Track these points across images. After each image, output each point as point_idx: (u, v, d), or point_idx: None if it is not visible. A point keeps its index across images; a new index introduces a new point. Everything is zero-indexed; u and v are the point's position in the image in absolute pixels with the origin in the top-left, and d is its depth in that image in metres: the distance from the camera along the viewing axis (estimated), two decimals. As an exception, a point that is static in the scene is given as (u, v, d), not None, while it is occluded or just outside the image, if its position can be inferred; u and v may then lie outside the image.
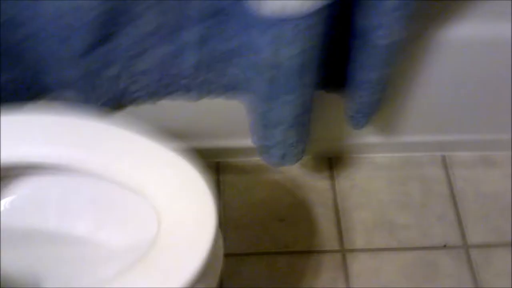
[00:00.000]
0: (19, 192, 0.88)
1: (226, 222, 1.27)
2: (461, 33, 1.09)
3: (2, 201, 0.87)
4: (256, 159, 1.22)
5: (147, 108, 1.14)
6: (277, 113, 1.00)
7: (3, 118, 0.82)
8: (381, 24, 0.91)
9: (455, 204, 1.32)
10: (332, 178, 1.35)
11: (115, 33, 0.97)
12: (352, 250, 1.26)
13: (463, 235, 1.28)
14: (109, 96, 1.07)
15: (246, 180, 1.33)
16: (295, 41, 0.88)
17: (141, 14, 0.95)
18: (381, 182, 1.35)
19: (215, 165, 1.35)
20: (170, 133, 1.22)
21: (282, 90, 0.96)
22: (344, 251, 1.26)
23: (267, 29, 0.86)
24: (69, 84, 1.04)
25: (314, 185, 1.34)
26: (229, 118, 1.22)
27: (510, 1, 1.10)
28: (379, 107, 1.11)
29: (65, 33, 0.94)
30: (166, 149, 0.81)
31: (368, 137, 1.32)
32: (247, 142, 1.15)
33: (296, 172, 1.34)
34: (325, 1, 0.85)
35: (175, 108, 1.15)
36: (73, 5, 0.90)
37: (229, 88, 1.10)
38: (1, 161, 0.80)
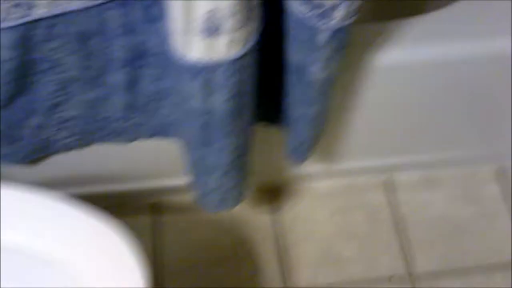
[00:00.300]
0: None
1: (164, 268, 1.22)
2: (393, 58, 1.08)
3: None
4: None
5: (77, 154, 1.09)
6: (212, 160, 0.96)
7: None
8: (314, 59, 0.88)
9: (400, 231, 1.30)
10: (273, 211, 1.31)
11: (35, 82, 0.92)
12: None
13: (409, 265, 1.26)
14: (33, 148, 1.02)
15: (184, 220, 1.28)
16: (226, 86, 0.84)
17: (62, 61, 0.90)
18: (324, 213, 1.31)
19: (151, 206, 1.30)
20: (103, 177, 1.19)
21: (216, 136, 0.91)
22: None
23: (195, 76, 0.82)
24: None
25: (255, 220, 1.30)
26: (162, 156, 1.17)
27: (440, 24, 1.09)
28: (318, 141, 1.08)
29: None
30: (90, 218, 0.79)
31: (308, 166, 1.28)
32: (182, 180, 1.11)
33: (236, 208, 1.28)
34: (251, 42, 0.82)
35: (107, 150, 1.10)
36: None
37: (161, 130, 1.05)
38: None
